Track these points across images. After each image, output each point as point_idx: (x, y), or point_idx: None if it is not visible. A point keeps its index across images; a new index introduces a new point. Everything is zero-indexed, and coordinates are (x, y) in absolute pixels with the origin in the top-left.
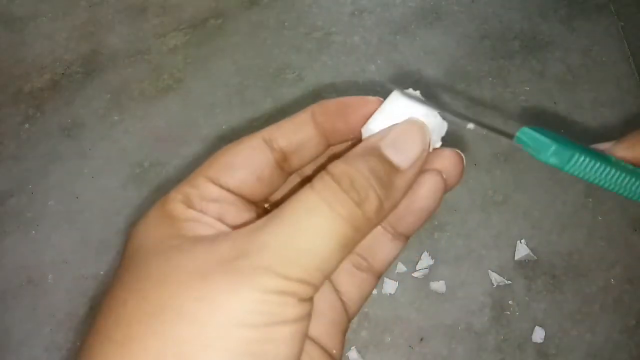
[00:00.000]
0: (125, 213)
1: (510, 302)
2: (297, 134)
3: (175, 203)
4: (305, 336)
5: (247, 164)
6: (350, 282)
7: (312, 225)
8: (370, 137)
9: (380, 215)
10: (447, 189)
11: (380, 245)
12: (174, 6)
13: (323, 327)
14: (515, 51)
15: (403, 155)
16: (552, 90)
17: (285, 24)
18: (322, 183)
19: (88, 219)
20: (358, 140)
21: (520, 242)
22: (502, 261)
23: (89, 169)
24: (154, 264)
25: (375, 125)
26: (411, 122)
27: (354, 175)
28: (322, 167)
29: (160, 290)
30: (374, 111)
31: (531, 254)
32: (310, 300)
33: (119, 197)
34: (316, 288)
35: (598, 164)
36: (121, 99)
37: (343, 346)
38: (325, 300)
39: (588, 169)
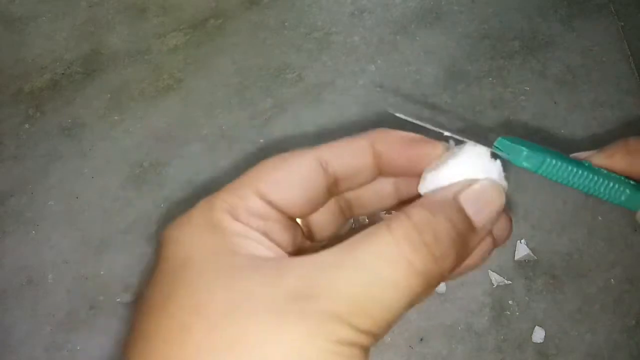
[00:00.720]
0: (125, 213)
1: (510, 302)
2: (355, 161)
3: (222, 213)
4: None
5: (301, 185)
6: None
7: (389, 278)
8: (448, 186)
9: (452, 273)
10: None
11: None
12: (174, 6)
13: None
14: (515, 51)
15: (482, 214)
16: (552, 90)
17: (285, 24)
18: (402, 229)
19: (88, 219)
20: (413, 175)
21: (520, 242)
22: (502, 261)
23: (89, 169)
24: (216, 286)
25: (444, 174)
26: (493, 182)
27: (438, 229)
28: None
29: (230, 321)
30: (437, 153)
31: (531, 254)
32: (369, 349)
33: (119, 197)
34: (378, 339)
35: (570, 167)
36: (121, 99)
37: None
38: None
39: (561, 171)
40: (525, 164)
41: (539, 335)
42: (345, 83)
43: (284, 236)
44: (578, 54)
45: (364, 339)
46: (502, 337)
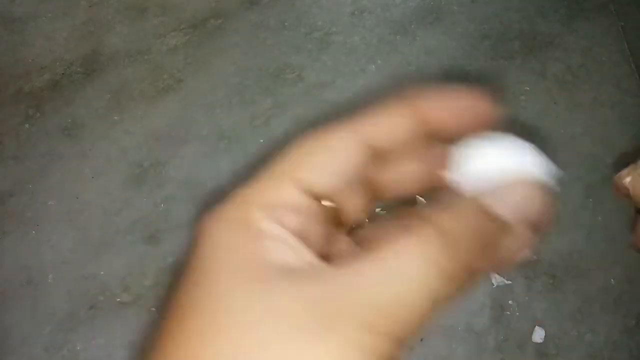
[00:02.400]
0: (125, 213)
1: (510, 302)
2: (398, 133)
3: (258, 208)
4: None
5: (342, 168)
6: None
7: (408, 275)
8: (478, 189)
9: (486, 267)
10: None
11: None
12: (174, 6)
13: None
14: (515, 51)
15: (515, 215)
16: (552, 90)
17: (285, 24)
18: (425, 233)
19: (88, 219)
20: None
21: None
22: None
23: (89, 169)
24: (240, 296)
25: (480, 166)
26: (532, 187)
27: (460, 232)
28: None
29: (253, 333)
30: (484, 104)
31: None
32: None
33: (119, 197)
34: (404, 343)
35: None
36: (121, 99)
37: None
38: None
39: None
40: None
41: (539, 335)
42: (345, 83)
43: (317, 229)
44: (578, 54)
45: (391, 346)
46: (502, 337)
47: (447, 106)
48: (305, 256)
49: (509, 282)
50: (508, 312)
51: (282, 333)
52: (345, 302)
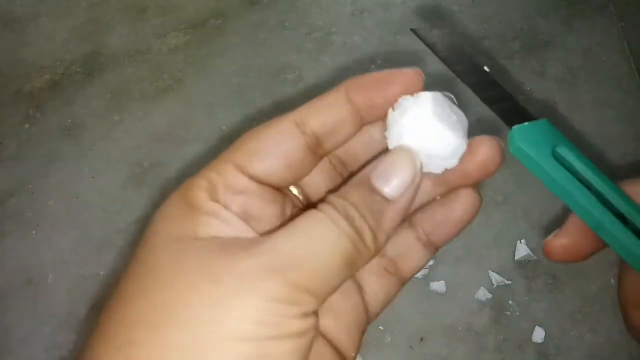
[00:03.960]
0: (125, 213)
1: (510, 302)
2: (331, 115)
3: (199, 191)
4: (307, 353)
5: (276, 150)
6: (376, 281)
7: (322, 236)
8: (365, 169)
9: (377, 244)
10: (485, 176)
11: (411, 251)
12: (174, 6)
13: (342, 327)
14: (515, 51)
15: (392, 186)
16: (552, 90)
17: (285, 24)
18: (327, 208)
19: (88, 219)
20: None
21: (520, 242)
22: (502, 261)
23: (89, 169)
24: (162, 263)
25: (396, 130)
26: (401, 152)
27: (348, 209)
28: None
29: (167, 292)
30: (414, 84)
31: (531, 254)
32: (313, 315)
33: (119, 197)
34: (319, 302)
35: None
36: (121, 99)
37: (359, 348)
38: (347, 300)
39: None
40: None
41: (539, 335)
42: None
43: (266, 210)
44: (578, 54)
45: (301, 297)
46: (502, 337)
47: (376, 88)
48: (241, 231)
49: (509, 282)
50: (508, 312)
51: (200, 289)
52: (262, 255)
